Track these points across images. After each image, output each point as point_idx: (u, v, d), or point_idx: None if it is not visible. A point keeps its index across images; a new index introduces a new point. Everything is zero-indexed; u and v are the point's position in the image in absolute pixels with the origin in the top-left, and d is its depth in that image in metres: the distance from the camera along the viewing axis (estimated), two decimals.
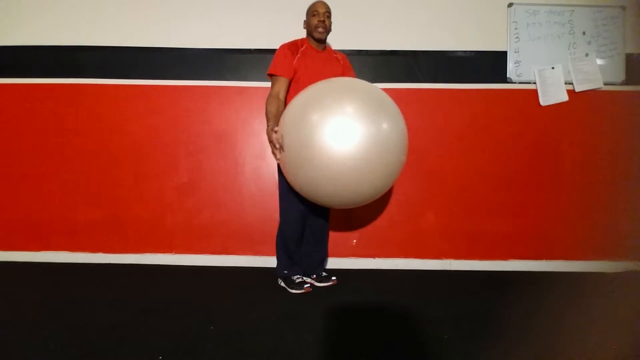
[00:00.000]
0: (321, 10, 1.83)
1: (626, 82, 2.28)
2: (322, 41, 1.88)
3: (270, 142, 1.59)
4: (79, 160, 2.31)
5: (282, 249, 1.91)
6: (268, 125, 1.64)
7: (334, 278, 1.95)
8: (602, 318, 1.55)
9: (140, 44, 2.30)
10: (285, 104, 1.77)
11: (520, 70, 2.29)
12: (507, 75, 2.29)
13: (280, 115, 1.65)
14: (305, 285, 1.85)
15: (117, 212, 2.30)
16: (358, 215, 2.30)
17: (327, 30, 1.87)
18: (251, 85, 2.29)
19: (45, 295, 1.76)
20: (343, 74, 1.90)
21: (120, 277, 2.05)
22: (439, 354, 1.27)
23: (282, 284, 1.91)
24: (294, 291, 1.84)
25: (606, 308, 1.63)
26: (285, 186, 1.76)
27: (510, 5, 2.29)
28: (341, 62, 1.94)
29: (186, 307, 1.64)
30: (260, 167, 2.29)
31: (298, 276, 1.90)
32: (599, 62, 2.28)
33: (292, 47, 1.85)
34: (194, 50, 2.30)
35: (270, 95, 1.77)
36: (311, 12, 1.85)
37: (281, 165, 1.61)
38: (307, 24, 1.89)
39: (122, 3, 2.30)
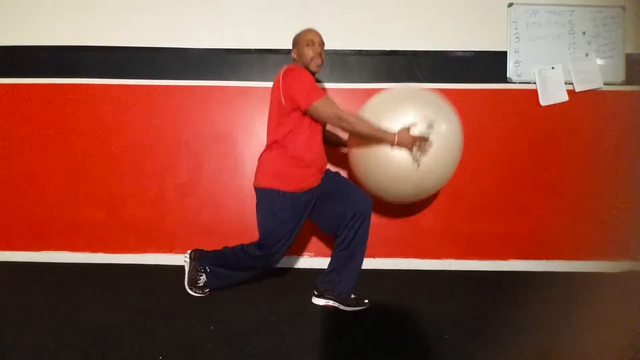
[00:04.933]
0: (317, 40, 1.66)
1: (626, 82, 2.28)
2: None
3: (419, 145, 1.59)
4: (79, 160, 2.30)
5: (238, 262, 1.74)
6: (393, 135, 1.58)
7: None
8: (602, 318, 1.55)
9: (140, 44, 2.30)
10: (293, 142, 1.64)
11: (520, 70, 2.29)
12: (507, 75, 2.29)
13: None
14: (207, 290, 1.79)
15: (117, 212, 2.30)
16: None
17: (323, 64, 1.70)
18: (252, 86, 2.29)
19: (45, 295, 1.76)
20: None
21: (120, 277, 2.05)
22: (439, 354, 1.28)
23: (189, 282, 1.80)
24: (192, 292, 1.77)
25: (606, 308, 1.63)
26: (289, 215, 1.65)
27: (510, 5, 2.28)
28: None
29: (186, 307, 1.64)
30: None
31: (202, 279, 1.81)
32: (599, 62, 2.28)
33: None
34: (194, 50, 2.30)
35: (341, 116, 1.57)
36: (305, 41, 1.65)
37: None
38: (299, 55, 1.68)
39: (123, 3, 2.30)
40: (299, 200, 1.66)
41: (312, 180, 1.69)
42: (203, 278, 1.79)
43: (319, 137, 1.71)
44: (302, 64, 1.67)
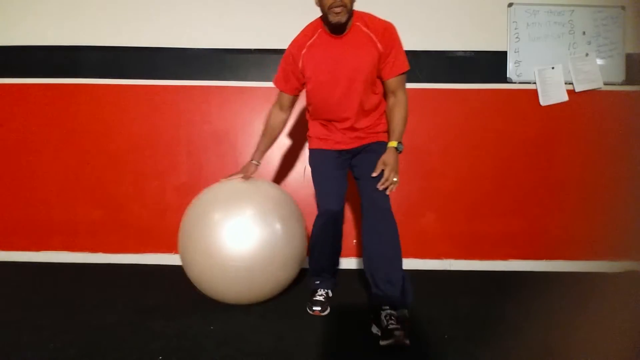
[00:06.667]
0: None
1: (626, 82, 2.28)
2: (341, 25, 1.41)
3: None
4: (79, 160, 2.31)
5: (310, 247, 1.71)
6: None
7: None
8: (602, 318, 1.55)
9: (140, 44, 2.30)
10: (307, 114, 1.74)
11: (520, 70, 2.29)
12: (507, 75, 2.29)
13: (268, 138, 1.74)
14: (315, 308, 1.60)
15: (117, 212, 2.30)
16: (358, 216, 2.30)
17: (348, 9, 1.37)
18: (251, 85, 2.29)
19: (45, 295, 1.76)
20: (380, 61, 1.48)
21: (120, 277, 2.05)
22: (439, 354, 1.27)
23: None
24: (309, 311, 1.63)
25: (606, 308, 1.63)
26: (318, 169, 1.66)
27: (510, 5, 2.28)
28: (378, 43, 1.47)
29: (186, 307, 1.64)
30: (260, 167, 2.28)
31: (320, 292, 1.70)
32: (599, 62, 2.28)
33: (296, 47, 1.52)
34: (194, 50, 2.30)
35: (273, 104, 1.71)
36: None
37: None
38: (320, 4, 1.42)
39: (122, 3, 2.30)
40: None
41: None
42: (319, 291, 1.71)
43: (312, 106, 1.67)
44: (322, 12, 1.44)
